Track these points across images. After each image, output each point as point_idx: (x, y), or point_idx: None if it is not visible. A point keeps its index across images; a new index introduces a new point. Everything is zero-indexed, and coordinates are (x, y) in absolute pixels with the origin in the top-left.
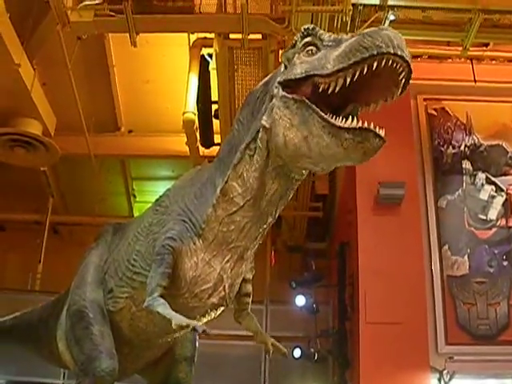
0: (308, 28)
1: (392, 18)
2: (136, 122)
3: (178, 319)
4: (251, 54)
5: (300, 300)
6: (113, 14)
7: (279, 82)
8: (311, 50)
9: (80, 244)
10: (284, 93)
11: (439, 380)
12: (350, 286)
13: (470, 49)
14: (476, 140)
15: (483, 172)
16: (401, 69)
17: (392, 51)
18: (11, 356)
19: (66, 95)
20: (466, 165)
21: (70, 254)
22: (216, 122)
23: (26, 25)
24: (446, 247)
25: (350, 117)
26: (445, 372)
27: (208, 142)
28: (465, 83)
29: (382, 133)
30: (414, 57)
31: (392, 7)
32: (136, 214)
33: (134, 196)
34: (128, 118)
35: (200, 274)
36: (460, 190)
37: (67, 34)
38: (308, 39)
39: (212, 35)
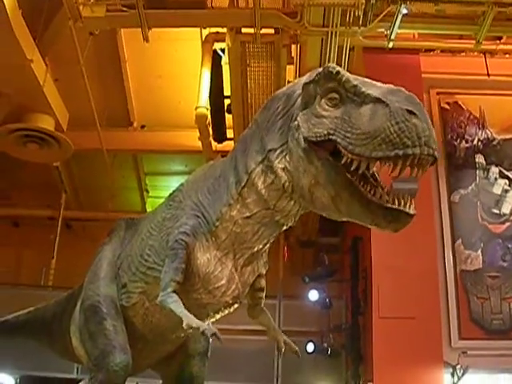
0: (332, 72)
1: (405, 11)
2: (149, 116)
3: (189, 320)
4: (263, 49)
5: (313, 295)
6: (125, 9)
7: (305, 137)
8: (334, 99)
9: (93, 239)
10: (306, 145)
11: (452, 375)
12: (363, 280)
13: (483, 42)
14: (489, 134)
15: (496, 166)
16: (426, 163)
17: (422, 152)
18: (25, 351)
19: (78, 91)
20: (479, 159)
21: (83, 250)
22: (228, 117)
23: (39, 21)
24: (460, 241)
25: (380, 188)
26: (458, 367)
27: (220, 137)
28: (478, 77)
29: (412, 210)
30: (427, 50)
31: (405, 1)
32: (149, 209)
33: (147, 191)
34: (140, 113)
35: (213, 271)
36: (473, 185)
37: (79, 30)
38: (331, 85)
39: (224, 30)
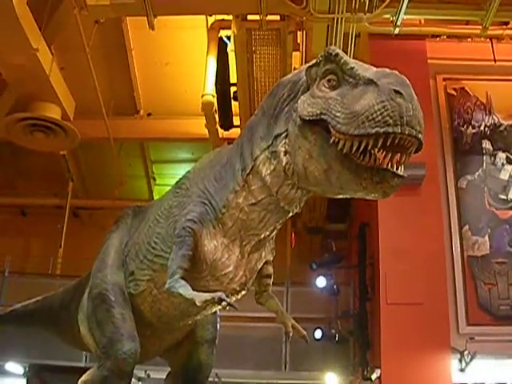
0: (331, 54)
1: None
2: (155, 104)
3: (200, 296)
4: (269, 36)
5: (320, 281)
6: None
7: (299, 116)
8: (331, 80)
9: (100, 227)
10: (301, 122)
11: (460, 361)
12: (371, 266)
13: (490, 28)
14: (496, 120)
15: (503, 152)
16: (410, 144)
17: (403, 131)
18: (34, 340)
19: (84, 79)
20: (486, 145)
21: (91, 238)
22: (235, 104)
23: (44, 9)
24: (467, 227)
25: (368, 153)
26: (466, 353)
27: (227, 124)
28: (484, 62)
29: (400, 171)
30: (433, 36)
31: None
32: (156, 197)
33: (154, 179)
34: (147, 101)
35: (220, 258)
36: (480, 170)
37: (85, 18)
38: (330, 67)
39: (230, 17)
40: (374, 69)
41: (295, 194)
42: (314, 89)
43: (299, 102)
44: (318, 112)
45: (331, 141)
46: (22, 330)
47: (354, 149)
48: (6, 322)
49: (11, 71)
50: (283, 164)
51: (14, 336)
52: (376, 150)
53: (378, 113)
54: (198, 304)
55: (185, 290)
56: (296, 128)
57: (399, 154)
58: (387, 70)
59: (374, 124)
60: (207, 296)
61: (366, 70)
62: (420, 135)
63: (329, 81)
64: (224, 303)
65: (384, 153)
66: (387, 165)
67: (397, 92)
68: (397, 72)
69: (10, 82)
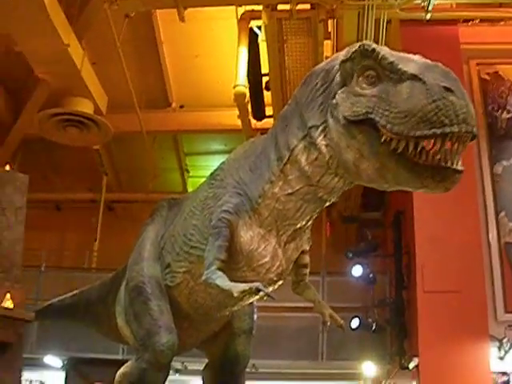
0: (367, 49)
1: None
2: (187, 97)
3: (238, 287)
4: (300, 25)
5: (356, 270)
6: None
7: (344, 116)
8: (371, 77)
9: (135, 221)
10: (345, 122)
11: (499, 348)
12: (406, 255)
13: None
14: None
15: None
16: (466, 139)
17: (460, 129)
18: (71, 334)
19: (116, 73)
20: None
21: (126, 231)
22: (267, 94)
23: (74, 5)
24: (503, 214)
25: (425, 152)
26: (505, 340)
27: (260, 115)
28: None
29: (459, 166)
30: (465, 21)
31: None
32: (190, 189)
33: (188, 171)
34: (179, 94)
35: (256, 248)
36: None
37: (115, 12)
38: (368, 63)
39: (260, 7)
40: (416, 59)
41: (337, 183)
42: (353, 86)
43: (338, 98)
44: (364, 111)
45: (382, 140)
46: (60, 323)
47: (410, 149)
48: (44, 316)
49: (43, 67)
50: (326, 157)
51: (52, 330)
52: (431, 153)
53: (433, 113)
54: (235, 295)
55: (222, 281)
56: (340, 127)
57: (456, 149)
58: (429, 62)
59: (430, 125)
60: (245, 286)
61: (407, 64)
62: (475, 129)
63: (367, 77)
64: (261, 293)
65: (441, 150)
66: (446, 162)
67: (447, 89)
68: (440, 64)
69: (41, 78)
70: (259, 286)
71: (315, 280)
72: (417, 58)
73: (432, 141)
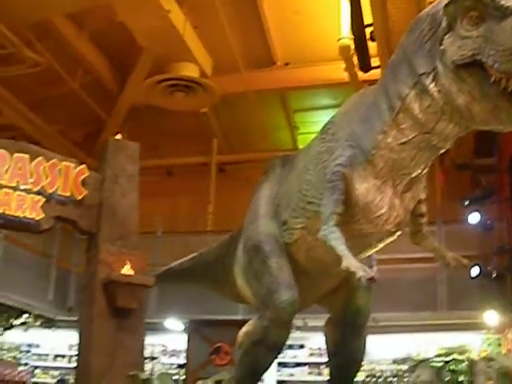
0: None
1: None
2: (291, 53)
3: (348, 261)
4: None
5: (473, 217)
6: None
7: (452, 61)
8: (474, 17)
9: (247, 181)
10: (454, 67)
11: None
12: None
13: None
14: None
15: None
16: None
17: None
18: (191, 297)
19: (218, 35)
20: None
21: (238, 192)
22: (372, 45)
23: None
24: None
25: None
26: None
27: (366, 66)
28: None
29: None
30: None
31: None
32: (300, 146)
33: (297, 128)
34: (283, 51)
35: (373, 200)
36: None
37: None
38: (470, 3)
39: None
40: None
41: (451, 130)
42: (458, 29)
43: (445, 44)
44: (470, 53)
45: (492, 80)
46: (179, 287)
47: None
48: (163, 281)
49: (145, 35)
50: (440, 103)
51: (172, 294)
52: None
53: None
54: (342, 265)
55: (337, 243)
56: (449, 72)
57: None
58: None
59: None
60: (352, 266)
61: None
62: None
63: (471, 18)
64: (363, 278)
65: None
66: None
67: None
68: None
69: (145, 46)
70: (363, 278)
71: (432, 230)
72: None
73: None
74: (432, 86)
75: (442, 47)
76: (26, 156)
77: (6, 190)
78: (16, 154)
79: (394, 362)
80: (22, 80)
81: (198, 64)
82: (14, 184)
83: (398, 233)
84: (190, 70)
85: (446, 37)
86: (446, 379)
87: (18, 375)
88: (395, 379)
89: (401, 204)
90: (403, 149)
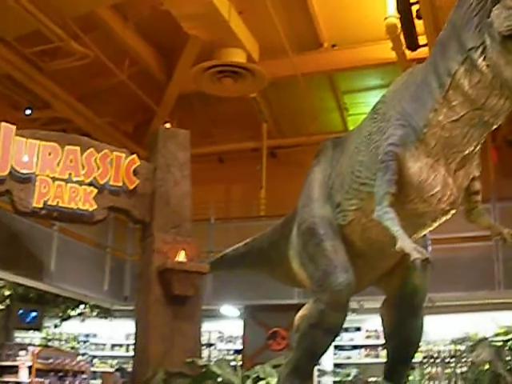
0: None
1: None
2: (338, 35)
3: (403, 242)
4: None
5: None
6: None
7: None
8: None
9: (299, 165)
10: (501, 38)
11: None
12: None
13: None
14: None
15: None
16: None
17: None
18: (246, 282)
19: (263, 20)
20: None
21: (290, 176)
22: (419, 23)
23: None
24: None
25: None
26: None
27: (414, 45)
28: None
29: None
30: None
31: None
32: (350, 127)
33: (346, 110)
34: (329, 33)
35: (426, 179)
36: None
37: None
38: None
39: None
40: None
41: (503, 105)
42: (505, 0)
43: (493, 15)
44: None
45: None
46: (234, 273)
47: None
48: (218, 267)
49: (191, 22)
50: (489, 78)
51: (228, 280)
52: None
53: None
54: (396, 247)
55: (392, 224)
56: (497, 44)
57: None
58: None
59: None
60: (407, 247)
61: None
62: None
63: None
64: (418, 263)
65: None
66: None
67: None
68: None
69: (191, 34)
70: (417, 260)
71: (486, 207)
72: None
73: None
74: (481, 60)
75: (489, 19)
76: (77, 148)
77: (58, 182)
78: (67, 147)
79: (452, 342)
80: (70, 73)
81: (244, 49)
82: (66, 176)
83: (453, 211)
84: (237, 56)
85: (494, 8)
86: (507, 358)
87: (78, 365)
88: (453, 360)
89: (454, 182)
90: (455, 126)
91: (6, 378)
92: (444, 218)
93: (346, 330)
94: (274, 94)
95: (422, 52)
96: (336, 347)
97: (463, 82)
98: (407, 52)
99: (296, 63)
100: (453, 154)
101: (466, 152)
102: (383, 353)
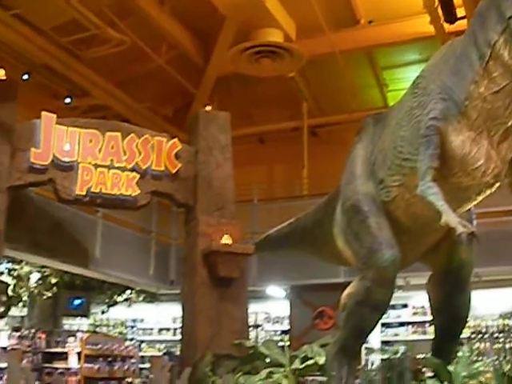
0: None
1: None
2: (374, 11)
3: (448, 216)
4: None
5: None
6: None
7: None
8: None
9: (340, 143)
10: None
11: None
12: None
13: None
14: None
15: None
16: None
17: None
18: (291, 262)
19: None
20: None
21: (332, 154)
22: None
23: None
24: None
25: None
26: None
27: (452, 18)
28: None
29: None
30: None
31: None
32: (390, 103)
33: (386, 86)
34: (366, 9)
35: (469, 152)
36: None
37: None
38: None
39: None
40: None
41: None
42: None
43: None
44: None
45: None
46: (279, 253)
47: None
48: (263, 248)
49: (227, 4)
50: None
51: (273, 260)
52: None
53: None
54: (441, 221)
55: (436, 198)
56: None
57: None
58: None
59: None
60: (452, 222)
61: None
62: None
63: None
64: (464, 237)
65: None
66: None
67: None
68: None
69: (227, 15)
70: (463, 233)
71: None
72: None
73: None
74: None
75: None
76: (118, 134)
77: (100, 169)
78: (108, 133)
79: (500, 316)
80: (108, 60)
81: (281, 29)
82: (108, 163)
83: (497, 184)
84: (274, 36)
85: None
86: None
87: (126, 350)
88: (502, 335)
89: (498, 155)
90: (496, 98)
91: (56, 365)
92: (488, 191)
93: (393, 307)
94: (312, 72)
95: (461, 25)
96: (383, 325)
97: (503, 52)
98: (445, 25)
99: (333, 41)
100: (495, 126)
101: (509, 124)
102: (431, 329)
